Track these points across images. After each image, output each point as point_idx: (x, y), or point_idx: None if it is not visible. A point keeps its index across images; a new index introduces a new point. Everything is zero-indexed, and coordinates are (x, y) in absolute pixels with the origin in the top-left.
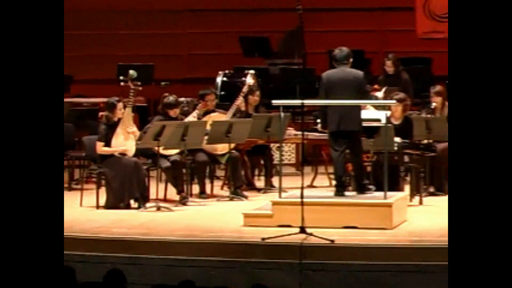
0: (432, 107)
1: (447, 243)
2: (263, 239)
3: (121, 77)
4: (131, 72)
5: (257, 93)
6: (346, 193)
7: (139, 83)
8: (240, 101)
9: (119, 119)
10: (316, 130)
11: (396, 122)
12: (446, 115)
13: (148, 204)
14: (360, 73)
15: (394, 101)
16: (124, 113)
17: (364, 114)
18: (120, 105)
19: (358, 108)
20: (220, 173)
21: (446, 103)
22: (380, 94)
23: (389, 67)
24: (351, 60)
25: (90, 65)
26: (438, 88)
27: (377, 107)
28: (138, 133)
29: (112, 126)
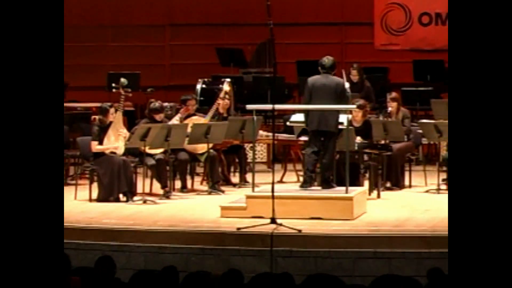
0: (389, 111)
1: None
2: (237, 229)
3: (113, 84)
4: (122, 80)
5: (227, 96)
6: (312, 187)
7: (129, 89)
8: (219, 105)
9: (111, 122)
10: (285, 132)
11: (357, 125)
12: (400, 119)
13: (135, 198)
14: (342, 81)
15: (355, 106)
16: (115, 117)
17: None
18: (112, 110)
19: (337, 112)
20: (199, 170)
21: (401, 108)
22: None
23: (354, 76)
24: (335, 69)
25: (82, 73)
26: (394, 94)
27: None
28: (127, 134)
29: (104, 128)
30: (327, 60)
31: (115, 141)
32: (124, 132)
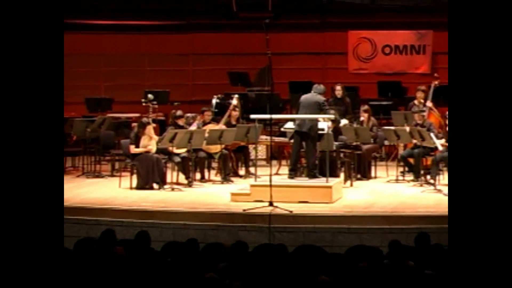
0: (361, 120)
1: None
2: (244, 210)
3: (143, 100)
4: (150, 95)
5: (236, 109)
6: (300, 178)
7: (155, 103)
8: (230, 115)
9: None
10: (280, 136)
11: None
12: (370, 126)
13: (165, 186)
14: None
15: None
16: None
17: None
18: (149, 127)
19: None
20: (214, 165)
21: (371, 118)
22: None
23: (338, 91)
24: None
25: (126, 91)
26: (366, 107)
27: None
28: (157, 138)
29: (139, 135)
30: (317, 85)
31: (148, 142)
32: (155, 137)
